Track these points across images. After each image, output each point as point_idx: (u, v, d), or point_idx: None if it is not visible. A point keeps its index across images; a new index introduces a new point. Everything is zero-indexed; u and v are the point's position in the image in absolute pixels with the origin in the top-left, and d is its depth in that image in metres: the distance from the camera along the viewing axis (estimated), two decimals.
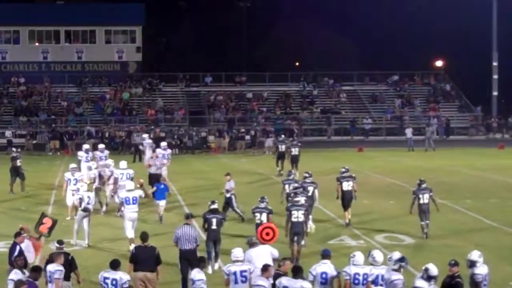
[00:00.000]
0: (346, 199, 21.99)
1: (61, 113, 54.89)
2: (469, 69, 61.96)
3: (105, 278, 12.54)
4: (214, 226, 16.68)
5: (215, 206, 17.05)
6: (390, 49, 68.45)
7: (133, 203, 19.00)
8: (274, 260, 13.70)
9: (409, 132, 47.52)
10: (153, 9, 64.94)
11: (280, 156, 34.07)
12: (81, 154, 28.84)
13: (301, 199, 18.25)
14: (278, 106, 57.83)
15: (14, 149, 32.58)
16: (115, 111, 55.64)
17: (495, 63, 58.32)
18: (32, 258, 14.44)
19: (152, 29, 65.31)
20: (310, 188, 21.15)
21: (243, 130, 48.87)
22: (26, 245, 14.22)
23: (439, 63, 67.54)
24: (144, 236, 14.40)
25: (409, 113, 57.53)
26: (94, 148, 32.45)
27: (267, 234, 15.57)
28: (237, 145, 47.55)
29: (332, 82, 61.10)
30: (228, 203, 22.36)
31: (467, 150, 45.97)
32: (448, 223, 22.31)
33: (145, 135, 38.75)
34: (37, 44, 61.64)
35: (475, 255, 12.26)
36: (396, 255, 12.21)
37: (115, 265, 12.67)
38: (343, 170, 22.70)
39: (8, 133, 46.92)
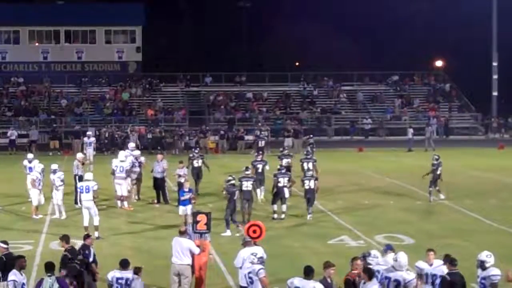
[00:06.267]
0: None
1: (61, 113, 54.91)
2: (469, 69, 61.90)
3: (118, 278, 12.47)
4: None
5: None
6: (390, 49, 68.45)
7: (86, 192, 20.30)
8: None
9: (409, 132, 47.55)
10: (153, 9, 64.93)
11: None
12: (25, 163, 26.45)
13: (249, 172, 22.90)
14: (278, 106, 57.81)
15: (195, 150, 29.85)
16: (115, 111, 55.64)
17: (495, 63, 58.25)
18: (205, 257, 14.88)
19: (152, 29, 65.25)
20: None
21: (242, 130, 48.73)
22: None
23: (439, 63, 67.54)
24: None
25: (408, 113, 57.57)
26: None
27: (254, 231, 15.48)
28: (237, 145, 47.29)
29: (332, 82, 61.11)
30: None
31: (467, 150, 45.94)
32: (449, 223, 22.35)
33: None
34: (37, 44, 61.64)
35: (484, 255, 11.98)
36: (402, 255, 12.09)
37: (126, 264, 12.62)
38: (283, 149, 29.49)
39: (10, 133, 46.60)
